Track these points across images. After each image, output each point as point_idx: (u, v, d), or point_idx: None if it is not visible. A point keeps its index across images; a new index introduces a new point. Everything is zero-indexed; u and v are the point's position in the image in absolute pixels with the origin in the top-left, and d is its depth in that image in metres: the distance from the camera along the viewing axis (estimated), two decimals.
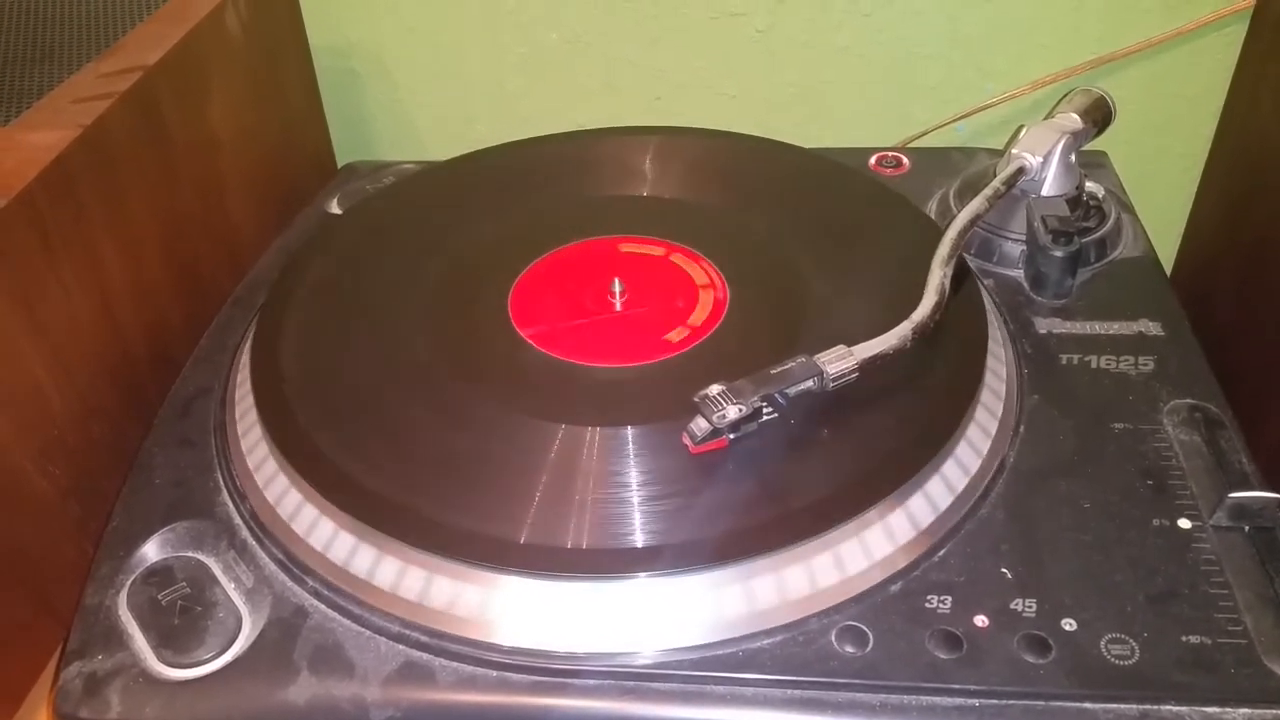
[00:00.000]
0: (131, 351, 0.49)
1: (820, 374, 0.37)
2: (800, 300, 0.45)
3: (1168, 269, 0.51)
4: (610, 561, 0.35)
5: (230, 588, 0.37)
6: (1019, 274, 0.48)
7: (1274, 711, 0.32)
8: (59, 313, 0.43)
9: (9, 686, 0.42)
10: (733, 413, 0.36)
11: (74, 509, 0.45)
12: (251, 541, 0.39)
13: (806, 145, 0.56)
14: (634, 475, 0.37)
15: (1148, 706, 0.32)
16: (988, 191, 0.46)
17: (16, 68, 0.51)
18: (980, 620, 0.34)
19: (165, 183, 0.51)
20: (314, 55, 0.67)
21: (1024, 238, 0.48)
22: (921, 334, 0.39)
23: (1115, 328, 0.45)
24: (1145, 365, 0.43)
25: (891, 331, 0.39)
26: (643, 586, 0.35)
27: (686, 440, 0.37)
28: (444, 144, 0.73)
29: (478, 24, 0.70)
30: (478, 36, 0.70)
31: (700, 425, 0.37)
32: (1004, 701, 0.32)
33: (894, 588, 0.35)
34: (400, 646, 0.35)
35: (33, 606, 0.43)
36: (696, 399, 0.37)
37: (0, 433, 0.41)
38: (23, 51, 0.52)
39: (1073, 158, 0.48)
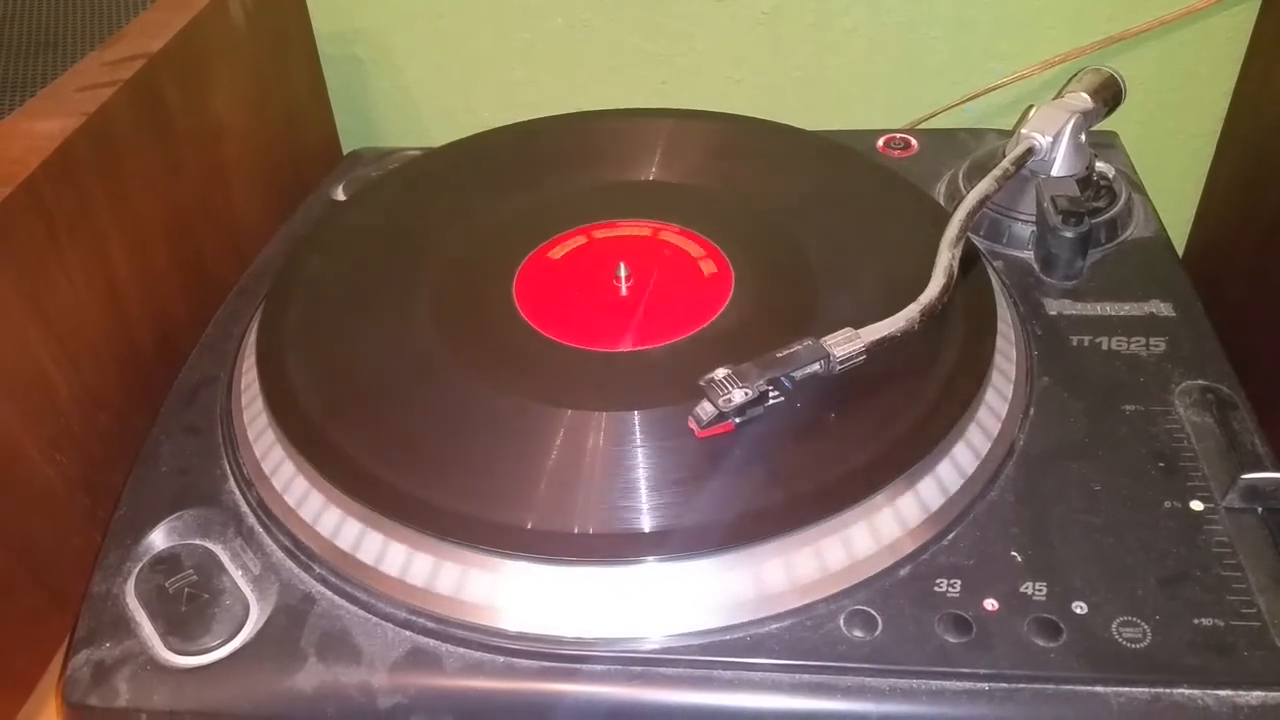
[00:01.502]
0: (137, 340, 0.48)
1: (827, 357, 0.37)
2: (807, 283, 0.45)
3: (1179, 250, 0.51)
4: (617, 546, 0.35)
5: (237, 575, 0.37)
6: (1029, 255, 0.48)
7: None
8: (64, 301, 0.43)
9: (18, 675, 0.42)
10: (738, 396, 0.36)
11: (81, 498, 0.45)
12: (258, 529, 0.39)
13: (813, 128, 0.56)
14: (640, 460, 0.37)
15: (1160, 690, 0.32)
16: (996, 172, 0.45)
17: (20, 56, 0.51)
18: (990, 604, 0.34)
19: (169, 170, 0.51)
20: (318, 42, 0.67)
21: (1034, 219, 0.47)
22: (929, 316, 0.39)
23: (1126, 309, 0.44)
24: (1157, 346, 0.43)
25: (899, 314, 0.39)
26: (650, 571, 0.35)
27: (692, 424, 0.37)
28: (449, 130, 0.72)
29: (483, 10, 0.69)
30: (483, 22, 0.70)
31: (706, 409, 0.36)
32: (1014, 685, 0.32)
33: (903, 571, 0.35)
34: (407, 633, 0.35)
35: (41, 595, 0.43)
36: (702, 383, 0.36)
37: (8, 422, 0.41)
38: (26, 40, 0.52)
39: (1083, 138, 0.48)
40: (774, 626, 0.34)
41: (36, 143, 0.43)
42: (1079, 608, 0.34)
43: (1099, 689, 0.32)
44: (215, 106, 0.55)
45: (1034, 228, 0.47)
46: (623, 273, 0.45)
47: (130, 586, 0.37)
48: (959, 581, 0.35)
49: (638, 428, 0.38)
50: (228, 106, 0.56)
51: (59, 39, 0.52)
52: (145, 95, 0.48)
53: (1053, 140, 0.47)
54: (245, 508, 0.39)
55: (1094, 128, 0.50)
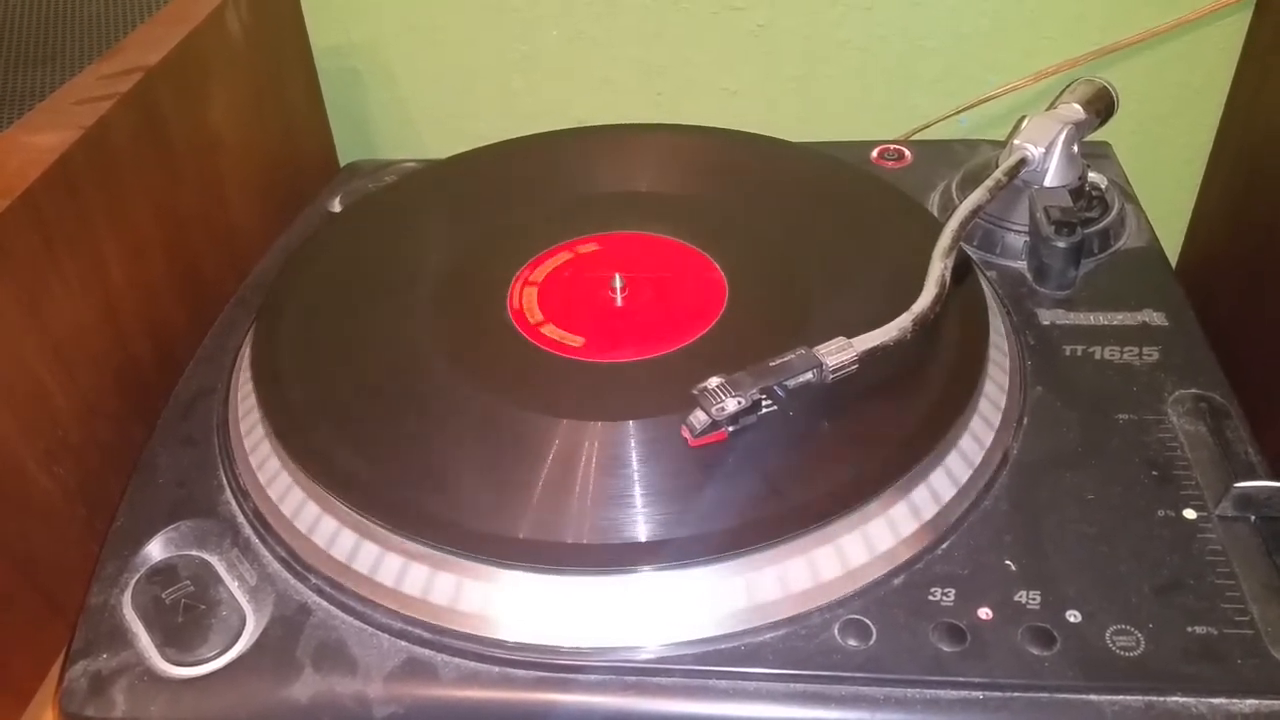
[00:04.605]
0: (134, 351, 0.49)
1: (820, 366, 0.37)
2: (800, 293, 0.45)
3: (1172, 260, 0.51)
4: (612, 556, 0.35)
5: (234, 586, 0.37)
6: (1022, 266, 0.48)
7: None
8: (62, 313, 0.44)
9: (16, 685, 0.42)
10: (731, 405, 0.36)
11: (79, 509, 0.45)
12: (254, 539, 0.39)
13: (808, 139, 0.56)
14: (635, 469, 0.37)
15: (1153, 698, 0.32)
16: (989, 183, 0.46)
17: (18, 69, 0.51)
18: (984, 612, 0.34)
19: (167, 183, 0.51)
20: (315, 55, 0.67)
21: (1027, 229, 0.48)
22: (922, 325, 0.39)
23: (1119, 318, 0.45)
24: (1149, 356, 0.43)
25: (891, 323, 0.39)
26: (645, 581, 0.35)
27: (686, 433, 0.37)
28: (446, 142, 0.73)
29: (479, 22, 0.70)
30: (479, 35, 0.70)
31: (699, 418, 0.36)
32: (1008, 694, 0.32)
33: (897, 580, 0.35)
34: (403, 643, 0.35)
35: (39, 605, 0.43)
36: (695, 392, 0.36)
37: (5, 434, 0.41)
38: (24, 53, 0.52)
39: (1075, 148, 0.48)
40: (769, 635, 0.34)
41: (34, 156, 0.43)
42: (1073, 616, 0.34)
43: (1093, 697, 0.32)
44: (212, 119, 0.55)
45: (1027, 238, 0.48)
46: (618, 283, 0.45)
47: (127, 598, 0.37)
48: (953, 590, 0.35)
49: (632, 437, 0.38)
50: (225, 119, 0.56)
51: (57, 52, 0.52)
52: (143, 108, 0.49)
53: (1045, 151, 0.47)
54: (241, 518, 0.39)
55: (1087, 138, 0.50)
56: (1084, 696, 0.32)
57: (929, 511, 0.36)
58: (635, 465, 0.37)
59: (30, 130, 0.45)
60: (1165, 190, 0.67)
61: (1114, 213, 0.49)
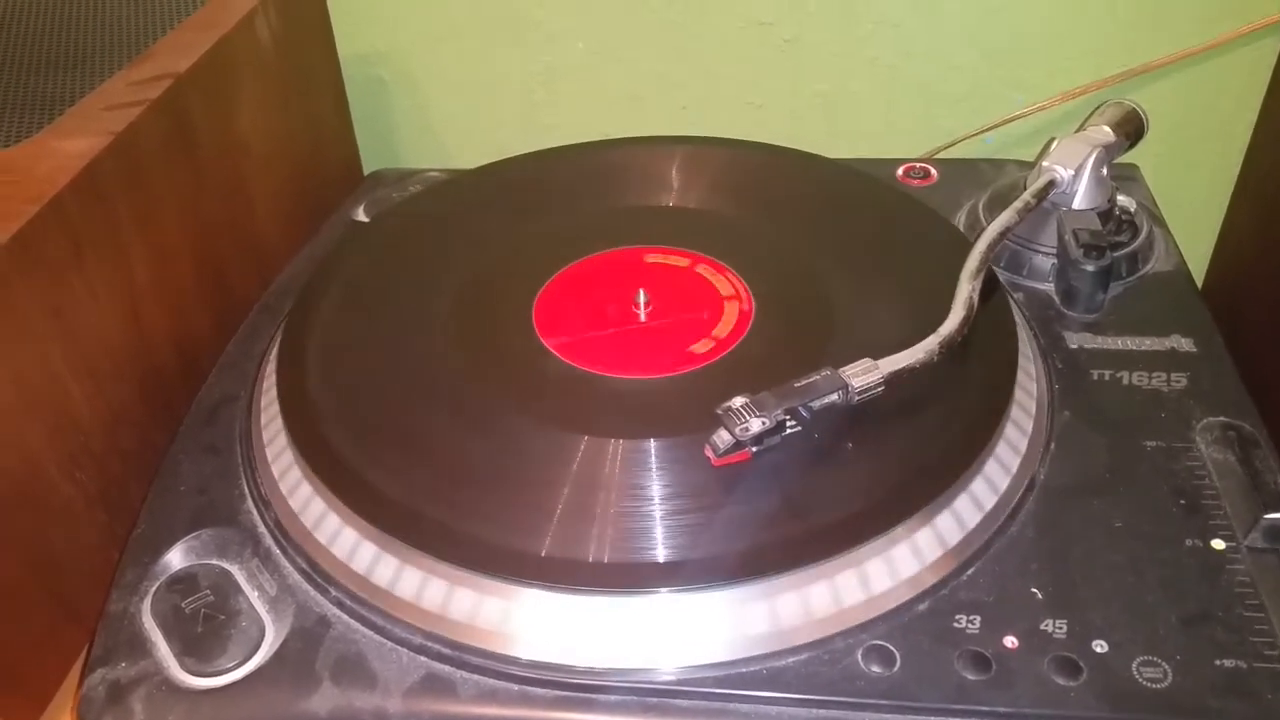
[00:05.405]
0: (159, 358, 0.49)
1: (845, 387, 0.37)
2: (826, 313, 0.45)
3: (1199, 283, 0.51)
4: (632, 576, 0.35)
5: (253, 596, 0.37)
6: (1049, 288, 0.47)
7: None
8: (88, 319, 0.44)
9: (33, 689, 0.42)
10: (756, 425, 0.36)
11: (100, 516, 0.45)
12: (275, 550, 0.39)
13: (833, 155, 0.56)
14: (657, 488, 0.37)
15: None
16: (1018, 204, 0.45)
17: (48, 75, 0.51)
18: (1010, 641, 0.34)
19: (194, 190, 0.51)
20: (342, 64, 0.67)
21: (1054, 251, 0.47)
22: (949, 348, 0.39)
23: (1147, 343, 0.44)
24: (1178, 382, 0.42)
25: (918, 345, 0.39)
26: (665, 602, 0.35)
27: (709, 453, 0.37)
28: (470, 152, 0.73)
29: (505, 34, 0.70)
30: (505, 46, 0.70)
31: (723, 438, 0.36)
32: None
33: (922, 607, 0.35)
34: (422, 658, 0.35)
35: (58, 611, 0.43)
36: (719, 411, 0.36)
37: (29, 439, 0.41)
38: (54, 59, 0.53)
39: (1104, 171, 0.48)
40: (791, 660, 0.34)
41: (64, 161, 0.43)
42: (1099, 646, 0.33)
43: None
44: (240, 126, 0.55)
45: (1055, 260, 0.47)
46: (642, 299, 0.45)
47: (147, 606, 0.37)
48: (978, 618, 0.34)
49: (654, 456, 0.38)
50: (253, 126, 0.56)
51: (86, 57, 0.52)
52: (172, 115, 0.49)
53: (1074, 173, 0.47)
54: (262, 528, 0.39)
55: (1115, 160, 0.49)
56: None
57: (954, 537, 0.36)
58: (657, 484, 0.37)
59: (60, 136, 0.45)
60: (1191, 213, 0.67)
61: (1143, 236, 0.49)
